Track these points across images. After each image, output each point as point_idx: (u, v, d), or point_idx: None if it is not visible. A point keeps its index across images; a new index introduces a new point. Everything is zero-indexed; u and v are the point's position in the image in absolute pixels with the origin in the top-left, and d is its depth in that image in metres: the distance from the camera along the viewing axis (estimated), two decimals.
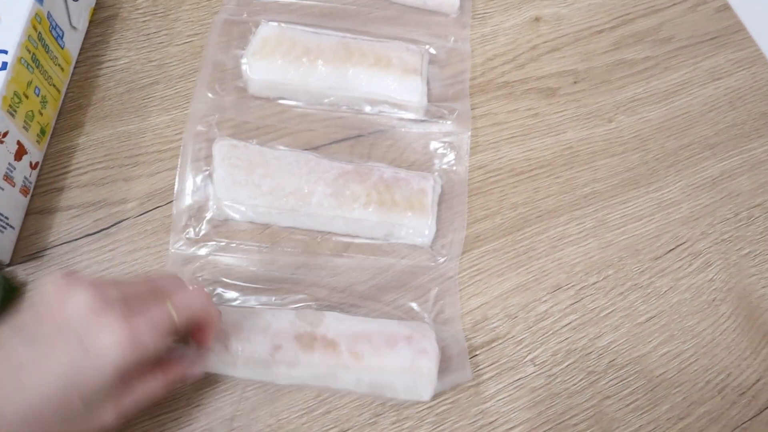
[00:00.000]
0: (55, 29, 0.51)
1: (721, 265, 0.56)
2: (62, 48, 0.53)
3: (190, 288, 0.40)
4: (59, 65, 0.53)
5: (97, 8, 0.59)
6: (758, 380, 0.52)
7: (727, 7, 0.68)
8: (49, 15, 0.50)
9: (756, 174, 0.60)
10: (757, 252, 0.57)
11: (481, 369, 0.49)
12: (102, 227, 0.51)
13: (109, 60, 0.57)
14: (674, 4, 0.67)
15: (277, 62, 0.55)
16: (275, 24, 0.57)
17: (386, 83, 0.56)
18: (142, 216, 0.51)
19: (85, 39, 0.58)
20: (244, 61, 0.55)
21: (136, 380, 0.38)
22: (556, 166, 0.57)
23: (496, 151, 0.57)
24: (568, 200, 0.56)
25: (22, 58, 0.46)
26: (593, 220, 0.56)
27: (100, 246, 0.50)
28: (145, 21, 0.59)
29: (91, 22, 0.58)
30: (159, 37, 0.58)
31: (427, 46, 0.60)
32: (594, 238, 0.55)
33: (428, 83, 0.58)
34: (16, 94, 0.46)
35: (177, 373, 0.41)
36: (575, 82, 0.62)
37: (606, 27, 0.65)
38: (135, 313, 0.35)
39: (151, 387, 0.38)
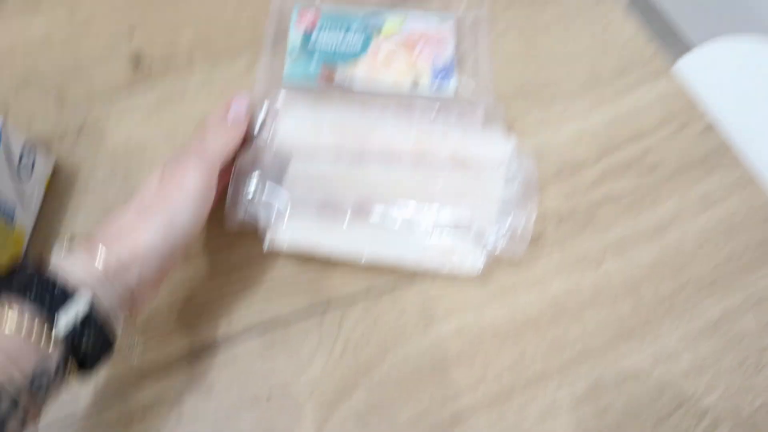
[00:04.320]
0: (3, 211, 0.49)
1: (732, 422, 0.51)
2: (13, 229, 0.51)
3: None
4: (9, 248, 0.50)
5: (54, 175, 0.57)
6: None
7: (711, 128, 0.65)
8: None
9: (761, 311, 0.56)
10: None
11: None
12: None
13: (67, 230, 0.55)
14: (657, 129, 0.64)
15: None
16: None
17: None
18: None
19: (40, 210, 0.55)
20: None
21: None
22: (542, 324, 0.53)
23: (477, 312, 0.53)
24: (557, 362, 0.52)
25: None
26: (586, 382, 0.51)
27: None
28: (104, 188, 0.57)
29: (47, 191, 0.56)
30: (118, 204, 0.56)
31: None
32: (588, 403, 0.51)
33: None
34: None
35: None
36: (559, 224, 0.58)
37: (589, 159, 0.62)
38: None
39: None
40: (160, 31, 0.66)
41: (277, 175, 0.51)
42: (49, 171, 0.57)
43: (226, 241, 0.55)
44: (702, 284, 0.57)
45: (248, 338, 0.52)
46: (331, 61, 0.61)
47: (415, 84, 0.61)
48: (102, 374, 0.49)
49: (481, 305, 0.54)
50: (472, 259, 0.51)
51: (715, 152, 0.64)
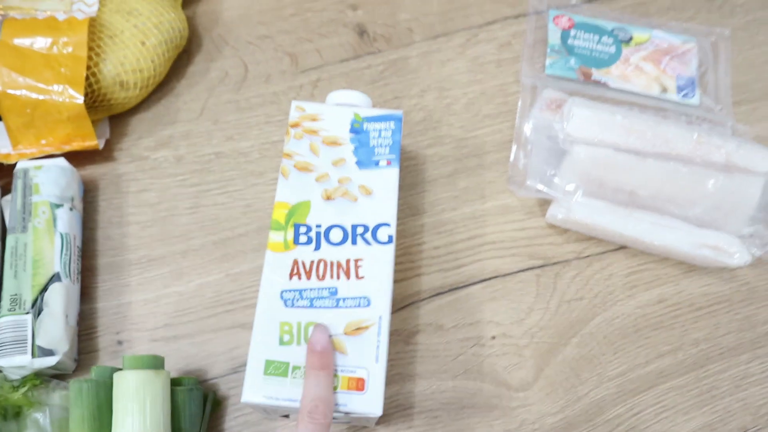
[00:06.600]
0: None
1: None
2: None
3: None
4: None
5: None
6: None
7: None
8: None
9: None
10: None
11: None
12: None
13: None
14: None
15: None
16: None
17: None
18: None
19: None
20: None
21: None
22: (734, 302, 0.58)
23: (675, 285, 0.58)
24: (748, 338, 0.56)
25: None
26: None
27: None
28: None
29: None
30: None
31: None
32: None
33: None
34: None
35: None
36: None
37: None
38: None
39: None
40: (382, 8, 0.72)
41: (567, 154, 0.57)
42: None
43: None
44: None
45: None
46: (587, 62, 0.67)
47: (663, 92, 0.66)
48: None
49: (677, 279, 0.59)
50: (739, 255, 0.55)
51: None
